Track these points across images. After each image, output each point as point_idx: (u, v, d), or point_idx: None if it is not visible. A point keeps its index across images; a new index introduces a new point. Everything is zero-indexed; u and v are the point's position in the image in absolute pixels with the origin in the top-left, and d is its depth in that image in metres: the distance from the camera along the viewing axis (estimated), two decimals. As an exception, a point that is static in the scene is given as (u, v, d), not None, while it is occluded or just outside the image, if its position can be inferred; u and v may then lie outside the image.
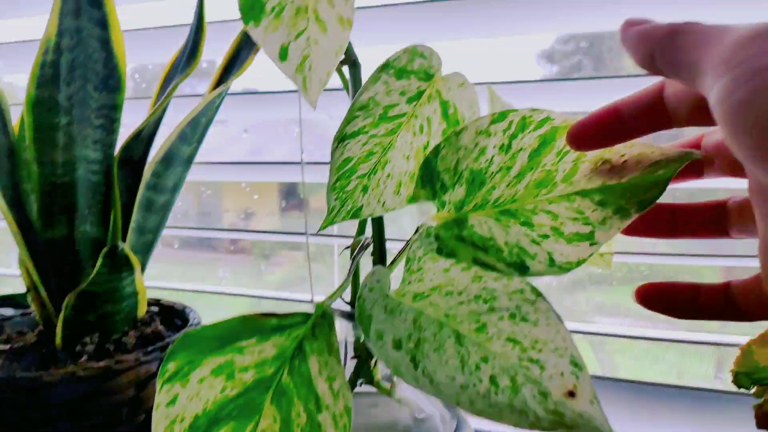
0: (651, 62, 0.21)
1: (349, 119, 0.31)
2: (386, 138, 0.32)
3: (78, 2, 0.44)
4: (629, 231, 0.27)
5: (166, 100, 0.49)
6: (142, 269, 0.51)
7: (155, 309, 0.54)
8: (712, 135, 0.27)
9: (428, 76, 0.33)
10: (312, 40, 0.32)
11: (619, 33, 0.23)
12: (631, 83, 0.47)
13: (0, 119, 0.46)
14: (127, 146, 0.48)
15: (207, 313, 0.52)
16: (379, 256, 0.37)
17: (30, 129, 0.43)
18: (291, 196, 0.84)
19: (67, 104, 0.44)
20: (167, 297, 0.56)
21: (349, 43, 0.35)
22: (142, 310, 0.49)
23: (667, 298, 0.27)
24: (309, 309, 0.30)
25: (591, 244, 0.26)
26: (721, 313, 0.26)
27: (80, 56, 0.44)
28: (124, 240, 0.48)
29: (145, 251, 0.50)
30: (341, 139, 0.31)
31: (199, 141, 0.52)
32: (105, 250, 0.42)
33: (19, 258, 0.47)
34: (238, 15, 0.31)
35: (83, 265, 0.47)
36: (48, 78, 0.43)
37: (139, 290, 0.47)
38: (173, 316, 0.53)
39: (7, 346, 0.47)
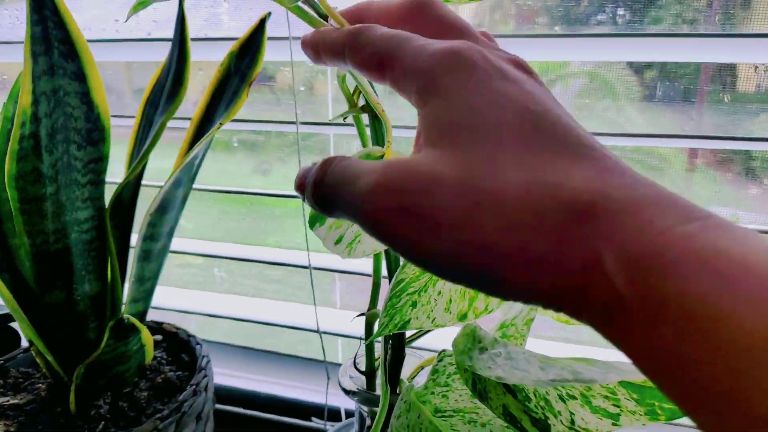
0: None
1: None
2: None
3: (50, 59, 0.39)
4: None
5: (152, 145, 0.46)
6: (145, 313, 0.51)
7: (160, 346, 0.54)
8: None
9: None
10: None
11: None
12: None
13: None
14: (118, 196, 0.45)
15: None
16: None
17: (14, 201, 0.40)
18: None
19: (51, 172, 0.41)
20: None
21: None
22: (149, 358, 0.49)
23: None
24: None
25: (613, 424, 0.27)
26: None
27: (60, 119, 0.41)
28: (122, 289, 0.48)
29: (146, 297, 0.49)
30: None
31: (193, 179, 0.50)
32: (111, 323, 0.42)
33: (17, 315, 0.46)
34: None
35: (86, 322, 0.46)
36: (28, 151, 0.39)
37: (145, 342, 0.47)
38: (178, 348, 0.54)
39: (19, 398, 0.47)
